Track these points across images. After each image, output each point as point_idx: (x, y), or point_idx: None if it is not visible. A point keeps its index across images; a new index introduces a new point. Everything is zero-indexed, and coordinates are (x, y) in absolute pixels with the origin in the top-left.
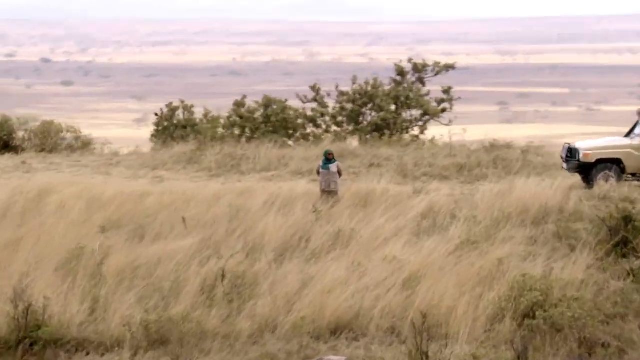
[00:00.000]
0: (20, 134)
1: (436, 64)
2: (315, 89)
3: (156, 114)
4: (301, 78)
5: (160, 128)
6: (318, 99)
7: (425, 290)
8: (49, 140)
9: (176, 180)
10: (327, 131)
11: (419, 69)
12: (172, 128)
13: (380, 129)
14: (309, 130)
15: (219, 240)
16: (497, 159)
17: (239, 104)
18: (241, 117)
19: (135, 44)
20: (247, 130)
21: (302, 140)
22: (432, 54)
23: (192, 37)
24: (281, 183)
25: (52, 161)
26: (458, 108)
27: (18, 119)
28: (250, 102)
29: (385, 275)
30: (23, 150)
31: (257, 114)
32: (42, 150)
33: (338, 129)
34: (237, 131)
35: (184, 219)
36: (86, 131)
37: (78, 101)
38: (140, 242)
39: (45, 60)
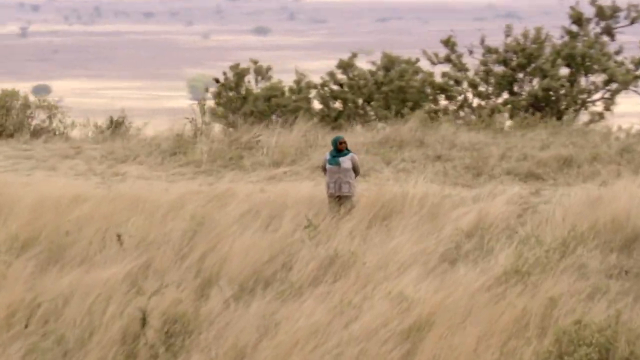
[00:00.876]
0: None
1: (633, 6)
2: (448, 43)
3: (217, 80)
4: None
5: (222, 100)
6: (453, 58)
7: (433, 344)
8: (9, 120)
9: (144, 180)
10: (461, 106)
11: (606, 14)
12: (238, 100)
13: (542, 102)
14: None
15: (163, 267)
16: (625, 151)
17: (345, 65)
18: (341, 86)
19: None
20: (349, 104)
21: (428, 119)
22: None
23: None
24: (292, 183)
25: None
26: None
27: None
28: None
29: (384, 320)
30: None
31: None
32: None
33: (482, 102)
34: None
35: (119, 237)
36: None
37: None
38: (53, 268)
39: None
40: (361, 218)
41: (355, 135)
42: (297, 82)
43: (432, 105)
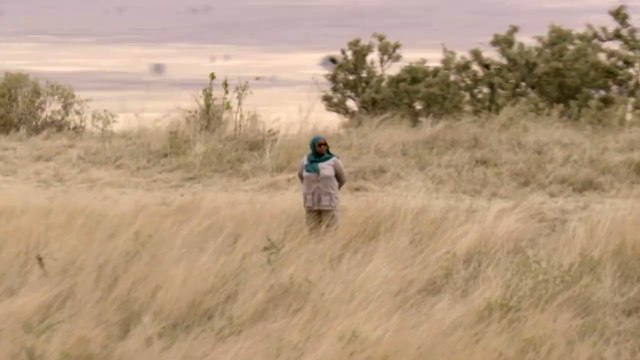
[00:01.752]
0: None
1: None
2: (619, 15)
3: (333, 60)
4: None
5: (338, 86)
6: (624, 33)
7: None
8: (15, 109)
9: (117, 188)
10: (632, 92)
11: None
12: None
13: None
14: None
15: (85, 297)
16: None
17: (501, 40)
18: (487, 67)
19: None
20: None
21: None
22: None
23: None
24: (292, 193)
25: None
26: None
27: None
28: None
29: None
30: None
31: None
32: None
33: None
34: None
35: (40, 260)
36: None
37: None
38: None
39: None
40: (339, 237)
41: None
42: (446, 61)
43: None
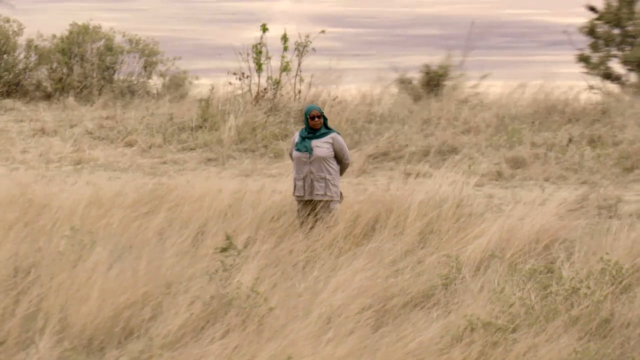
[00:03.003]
0: None
1: None
2: None
3: (592, 8)
4: None
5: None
6: None
7: None
8: (77, 70)
9: (111, 172)
10: None
11: None
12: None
13: None
14: None
15: None
16: None
17: None
18: None
19: None
20: None
21: None
22: None
23: None
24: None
25: None
26: None
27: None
28: None
29: None
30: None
31: None
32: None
33: None
34: None
35: None
36: None
37: None
38: None
39: None
40: (330, 235)
41: None
42: None
43: None
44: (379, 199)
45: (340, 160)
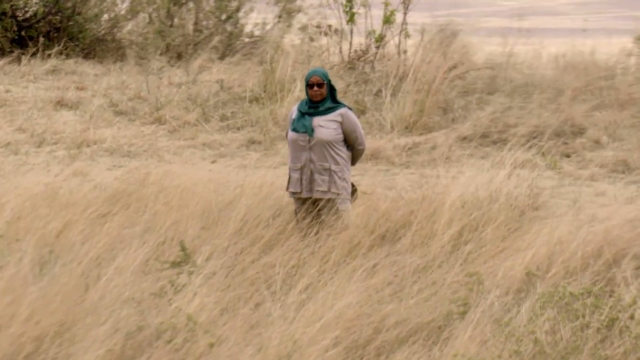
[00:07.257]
0: None
1: None
2: None
3: None
4: None
5: None
6: None
7: None
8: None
9: (117, 159)
10: None
11: None
12: None
13: None
14: None
15: None
16: None
17: None
18: None
19: None
20: None
21: None
22: None
23: None
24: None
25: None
26: None
27: None
28: None
29: None
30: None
31: None
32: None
33: None
34: None
35: None
36: None
37: None
38: None
39: None
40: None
41: None
42: None
43: None
44: (418, 197)
45: (352, 146)
